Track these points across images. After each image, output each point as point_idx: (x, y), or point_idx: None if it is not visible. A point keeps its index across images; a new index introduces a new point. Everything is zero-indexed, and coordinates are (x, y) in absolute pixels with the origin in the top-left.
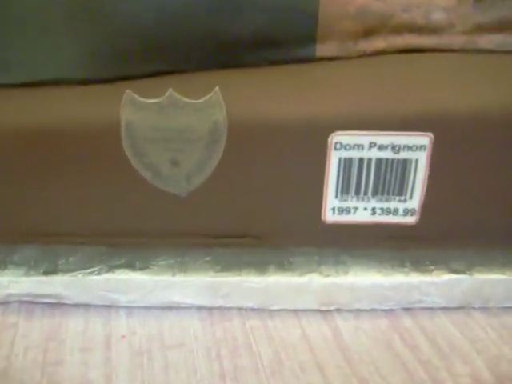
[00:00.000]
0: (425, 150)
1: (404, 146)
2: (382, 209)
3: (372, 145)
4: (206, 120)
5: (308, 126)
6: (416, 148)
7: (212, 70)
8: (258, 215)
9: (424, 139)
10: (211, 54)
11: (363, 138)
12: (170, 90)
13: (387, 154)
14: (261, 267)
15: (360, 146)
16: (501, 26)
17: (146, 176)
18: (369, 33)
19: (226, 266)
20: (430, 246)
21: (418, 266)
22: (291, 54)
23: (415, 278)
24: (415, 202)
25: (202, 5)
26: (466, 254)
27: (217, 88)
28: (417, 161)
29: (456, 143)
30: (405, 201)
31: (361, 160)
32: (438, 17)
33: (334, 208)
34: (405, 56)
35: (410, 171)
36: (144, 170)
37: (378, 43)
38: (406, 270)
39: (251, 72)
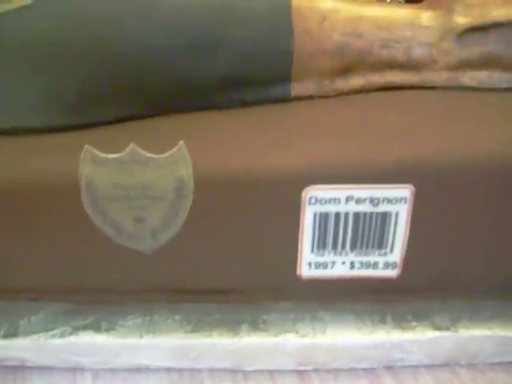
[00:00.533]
0: (405, 202)
1: (383, 199)
2: (361, 263)
3: (349, 198)
4: (170, 177)
5: (281, 180)
6: (396, 200)
7: (181, 114)
8: (230, 270)
9: (404, 191)
10: (183, 96)
11: (339, 191)
12: (132, 144)
13: (365, 208)
14: (233, 326)
15: (336, 200)
16: (485, 63)
17: (109, 233)
18: (347, 70)
19: (197, 325)
20: (412, 299)
21: (400, 321)
22: (265, 94)
23: (397, 336)
24: (396, 255)
25: (180, 43)
26: (450, 308)
27: (181, 142)
28: (397, 214)
29: (438, 194)
30: (385, 254)
31: (337, 214)
32: (420, 53)
33: (310, 263)
34: (384, 94)
35: (389, 224)
36: (107, 228)
37: (357, 81)
38: (387, 326)
39: (222, 116)
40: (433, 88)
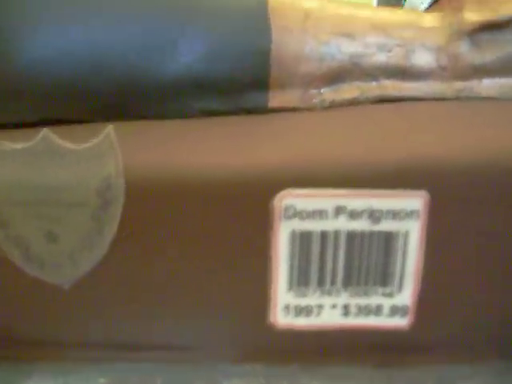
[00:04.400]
0: (417, 217)
1: (387, 212)
2: (358, 307)
3: (340, 210)
4: (94, 175)
5: (245, 183)
6: (404, 215)
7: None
8: (177, 317)
9: (416, 201)
10: (132, 102)
11: (326, 200)
12: (45, 130)
13: (363, 225)
14: None
15: (322, 213)
16: (504, 67)
17: (14, 257)
18: (336, 78)
19: None
20: (431, 360)
21: None
22: (235, 103)
23: None
24: (406, 295)
25: (130, 37)
26: (487, 372)
27: (109, 128)
28: (406, 234)
29: (462, 205)
30: (391, 294)
31: (324, 234)
32: (424, 58)
33: (288, 306)
34: (383, 106)
35: (396, 250)
36: (10, 248)
37: (349, 91)
38: None
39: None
40: (442, 100)
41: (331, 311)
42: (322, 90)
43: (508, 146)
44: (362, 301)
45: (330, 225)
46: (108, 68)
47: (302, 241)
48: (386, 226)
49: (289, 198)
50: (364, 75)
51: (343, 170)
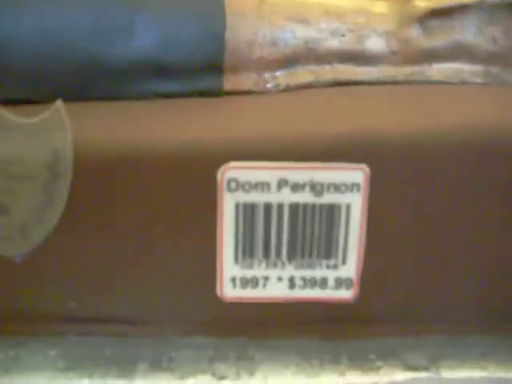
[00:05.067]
0: (358, 190)
1: (329, 185)
2: (303, 279)
3: (282, 183)
4: (43, 148)
5: (190, 156)
6: (346, 187)
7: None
8: (126, 290)
9: (356, 174)
10: (86, 85)
11: (269, 172)
12: None
13: (305, 197)
14: (127, 365)
15: (265, 186)
16: (453, 53)
17: None
18: (290, 62)
19: (76, 363)
20: (375, 331)
21: (360, 360)
22: (190, 86)
23: (355, 380)
24: (351, 267)
25: (84, 19)
26: (427, 343)
27: (58, 103)
28: (348, 206)
29: (403, 180)
30: (335, 267)
31: (268, 206)
32: (375, 43)
33: (235, 278)
34: (334, 88)
35: (339, 222)
36: None
37: (303, 75)
38: (341, 367)
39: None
40: (394, 83)
41: (277, 283)
42: (276, 74)
43: (451, 123)
44: (307, 273)
45: (273, 197)
46: (60, 52)
47: (246, 213)
48: (328, 198)
49: (231, 171)
50: (318, 59)
51: (285, 144)
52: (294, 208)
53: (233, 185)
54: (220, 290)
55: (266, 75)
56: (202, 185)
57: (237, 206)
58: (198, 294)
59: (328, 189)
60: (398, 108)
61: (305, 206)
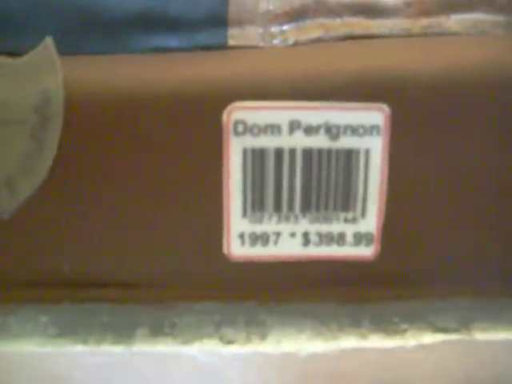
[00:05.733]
0: (378, 132)
1: (346, 128)
2: (319, 235)
3: (295, 125)
4: (30, 89)
5: (194, 98)
6: (364, 130)
7: None
8: (122, 250)
9: (376, 115)
10: (84, 36)
11: (280, 113)
12: None
13: (320, 142)
14: (124, 331)
15: (276, 129)
16: (472, 3)
17: None
18: (299, 15)
19: (69, 329)
20: (398, 293)
21: (383, 324)
22: (192, 42)
23: (379, 343)
24: (371, 221)
25: None
26: (455, 306)
27: (48, 40)
28: (367, 151)
29: (428, 120)
30: (354, 220)
31: (279, 152)
32: None
33: (243, 234)
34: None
35: (357, 169)
36: None
37: (313, 29)
38: (362, 330)
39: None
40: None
41: (290, 240)
42: (283, 28)
43: (475, 60)
44: (323, 228)
45: (284, 141)
46: (56, 1)
47: (255, 159)
48: (345, 142)
49: (238, 112)
50: (328, 12)
51: (297, 82)
52: (308, 154)
53: (240, 128)
54: (227, 247)
55: (272, 29)
56: (205, 128)
57: (244, 151)
58: (203, 253)
59: (345, 132)
60: (417, 48)
61: (319, 151)
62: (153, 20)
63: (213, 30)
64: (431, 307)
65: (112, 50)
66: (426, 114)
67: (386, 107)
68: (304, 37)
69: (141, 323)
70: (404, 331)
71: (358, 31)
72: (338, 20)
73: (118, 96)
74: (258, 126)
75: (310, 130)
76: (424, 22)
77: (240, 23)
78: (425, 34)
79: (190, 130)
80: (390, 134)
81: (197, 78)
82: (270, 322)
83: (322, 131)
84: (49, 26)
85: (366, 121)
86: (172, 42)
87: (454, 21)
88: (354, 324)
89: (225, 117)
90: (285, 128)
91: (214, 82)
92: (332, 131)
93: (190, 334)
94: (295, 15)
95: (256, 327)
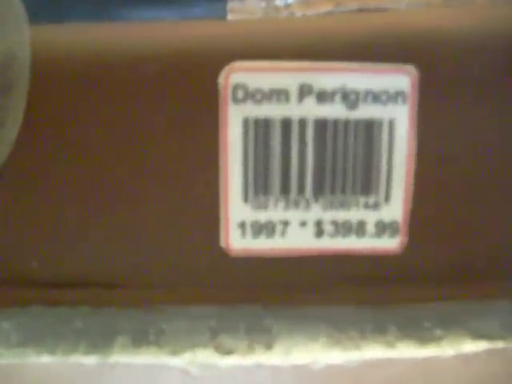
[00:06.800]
0: (404, 99)
1: (366, 94)
2: (334, 224)
3: (305, 90)
4: None
5: (181, 56)
6: (388, 97)
7: None
8: (102, 241)
9: (401, 79)
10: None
11: (287, 75)
12: None
13: (335, 110)
14: (100, 339)
15: (283, 94)
16: None
17: None
18: None
19: (34, 337)
20: (429, 293)
21: (413, 330)
22: (186, 15)
23: (411, 353)
24: (396, 207)
25: None
26: (498, 309)
27: None
28: (391, 122)
29: (466, 85)
30: (376, 206)
31: (286, 123)
32: None
33: (244, 223)
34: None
35: (380, 144)
36: None
37: (322, 3)
38: (389, 338)
39: None
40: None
41: (300, 230)
42: (289, 1)
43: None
44: (340, 215)
45: (293, 110)
46: None
47: (258, 132)
48: (365, 111)
49: (238, 74)
50: None
51: (309, 38)
52: (321, 125)
53: (240, 93)
54: (225, 239)
55: (277, 2)
56: (198, 94)
57: (245, 122)
58: (195, 247)
59: (365, 98)
60: (443, 11)
61: (335, 122)
62: None
63: (211, 3)
64: (470, 310)
65: (99, 21)
66: (460, 78)
67: (413, 69)
68: (312, 11)
69: (121, 330)
70: (439, 339)
71: (372, 5)
72: None
73: (95, 59)
74: (261, 92)
75: (323, 97)
76: None
77: None
78: (447, 6)
79: (179, 97)
80: (418, 101)
81: (188, 35)
82: (276, 328)
83: (337, 98)
84: None
85: (389, 85)
86: (163, 14)
87: None
88: (379, 330)
89: (222, 80)
90: (294, 94)
91: (209, 39)
92: (350, 98)
93: (179, 343)
94: None
95: (260, 335)
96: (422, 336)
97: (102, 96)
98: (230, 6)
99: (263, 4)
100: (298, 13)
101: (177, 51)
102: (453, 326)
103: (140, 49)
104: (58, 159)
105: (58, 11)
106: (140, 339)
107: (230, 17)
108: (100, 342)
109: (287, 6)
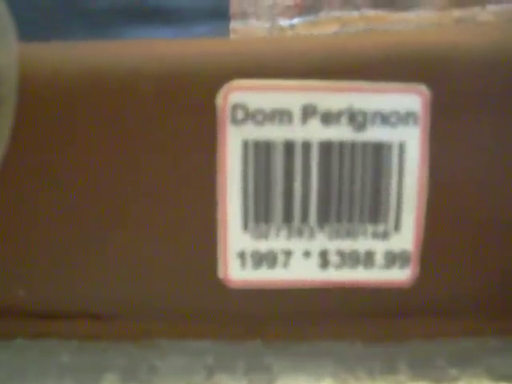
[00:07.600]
0: (415, 121)
1: (374, 115)
2: (340, 254)
3: (309, 111)
4: None
5: (178, 74)
6: (398, 118)
7: None
8: (91, 271)
9: (412, 99)
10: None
11: (290, 95)
12: None
13: (341, 133)
14: (87, 376)
15: (285, 115)
16: None
17: None
18: (311, 7)
19: (14, 374)
20: (442, 328)
21: (425, 369)
22: (190, 34)
23: None
24: (407, 236)
25: None
26: None
27: (1, 5)
28: (402, 145)
29: (479, 105)
30: (385, 235)
31: (289, 146)
32: None
33: (244, 253)
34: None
35: (389, 168)
36: None
37: (327, 24)
38: (400, 378)
39: None
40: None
41: (304, 260)
42: (293, 22)
43: None
44: (346, 245)
45: (296, 132)
46: None
47: (259, 155)
48: (373, 134)
49: (237, 93)
50: (344, 4)
51: (313, 57)
52: (327, 148)
53: (239, 114)
54: (223, 270)
55: (281, 23)
56: (195, 115)
57: (245, 144)
58: (192, 278)
59: (373, 120)
60: (455, 28)
61: (341, 144)
62: (142, 8)
63: (213, 23)
64: (486, 347)
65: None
66: (473, 98)
67: (425, 89)
68: (318, 32)
69: (110, 366)
70: (454, 379)
71: (378, 26)
72: (356, 13)
73: (85, 74)
74: (262, 112)
75: (328, 118)
76: (455, 13)
77: (243, 16)
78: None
79: (175, 118)
80: (430, 122)
81: (184, 52)
82: (277, 366)
83: (344, 119)
84: (23, 8)
85: (399, 106)
86: (167, 34)
87: (491, 12)
88: (388, 369)
89: (220, 99)
90: (297, 115)
91: (208, 56)
92: (357, 119)
93: (173, 381)
94: (307, 7)
95: (260, 373)
96: (435, 375)
97: (92, 115)
98: (232, 26)
99: (267, 24)
100: (304, 31)
101: (172, 69)
102: (468, 364)
103: (133, 67)
104: (45, 181)
105: (50, 28)
106: (130, 377)
107: (233, 35)
108: (86, 379)
109: (292, 26)
